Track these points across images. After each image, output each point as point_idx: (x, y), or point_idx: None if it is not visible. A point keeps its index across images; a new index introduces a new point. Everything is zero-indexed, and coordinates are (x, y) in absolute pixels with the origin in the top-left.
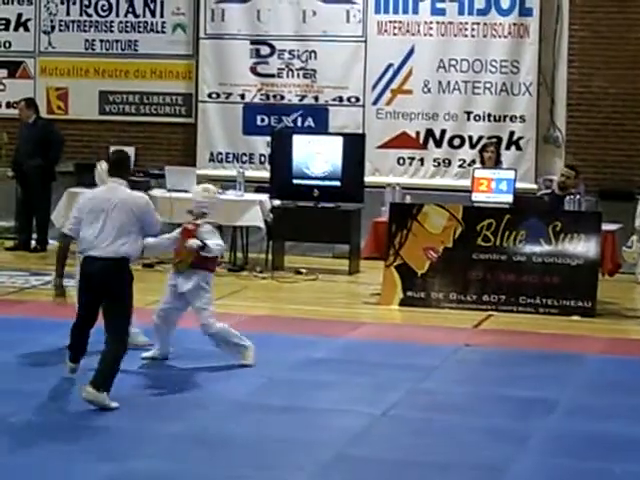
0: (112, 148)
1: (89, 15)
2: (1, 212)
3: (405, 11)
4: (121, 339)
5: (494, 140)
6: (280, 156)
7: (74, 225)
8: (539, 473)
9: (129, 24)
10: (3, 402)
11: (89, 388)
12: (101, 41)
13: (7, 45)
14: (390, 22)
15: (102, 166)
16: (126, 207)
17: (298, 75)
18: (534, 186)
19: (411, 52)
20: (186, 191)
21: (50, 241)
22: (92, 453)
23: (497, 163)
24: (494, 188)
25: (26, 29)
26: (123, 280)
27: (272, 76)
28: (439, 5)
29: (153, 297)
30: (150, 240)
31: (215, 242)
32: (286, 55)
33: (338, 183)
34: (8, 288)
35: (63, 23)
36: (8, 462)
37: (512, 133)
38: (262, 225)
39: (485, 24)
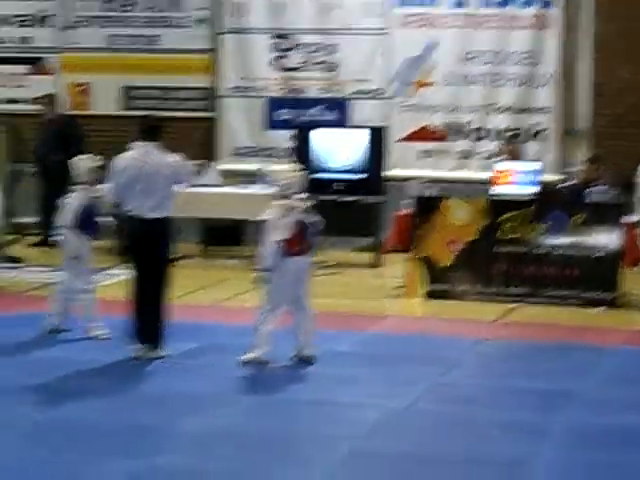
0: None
1: (111, 10)
2: (24, 208)
3: (427, 4)
4: (165, 284)
5: (517, 132)
6: (302, 150)
7: (115, 192)
8: (560, 466)
9: (150, 19)
10: (30, 398)
11: (150, 350)
12: (122, 36)
13: (29, 41)
14: (412, 15)
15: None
16: (163, 169)
17: (320, 69)
18: (557, 178)
19: (433, 45)
20: (207, 185)
21: None
22: (118, 449)
23: (519, 155)
24: (517, 180)
25: (48, 25)
26: (168, 237)
27: (294, 70)
28: None
29: (176, 292)
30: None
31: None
32: (308, 49)
33: (360, 176)
34: (32, 284)
35: (85, 19)
36: (36, 458)
37: (535, 125)
38: None
39: (507, 16)
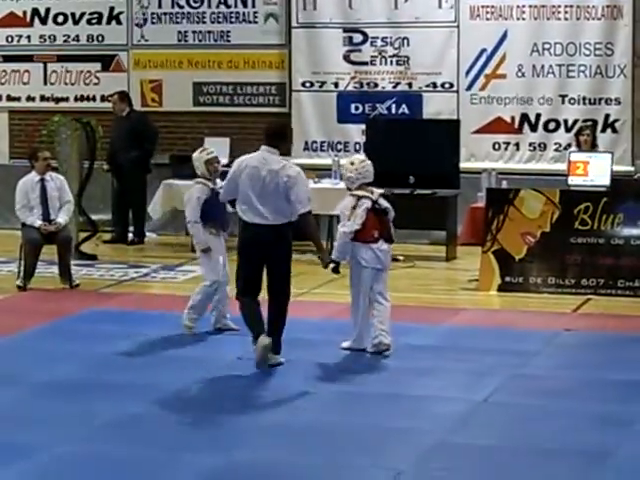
0: (206, 139)
1: (181, 7)
2: (98, 205)
3: None
4: (285, 293)
5: (590, 123)
6: (375, 144)
7: (226, 192)
8: None
9: (221, 15)
10: (108, 395)
11: (276, 357)
12: (193, 32)
13: (100, 39)
14: (482, 7)
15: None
16: (276, 178)
17: (391, 62)
18: (631, 169)
19: (504, 36)
20: None
21: (147, 233)
22: (198, 445)
23: (593, 146)
24: (590, 171)
25: (118, 22)
26: (283, 244)
27: (365, 64)
28: None
29: None
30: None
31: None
32: (379, 42)
33: (435, 169)
34: (107, 281)
35: (155, 15)
36: (115, 454)
37: (607, 116)
38: None
39: (578, 6)
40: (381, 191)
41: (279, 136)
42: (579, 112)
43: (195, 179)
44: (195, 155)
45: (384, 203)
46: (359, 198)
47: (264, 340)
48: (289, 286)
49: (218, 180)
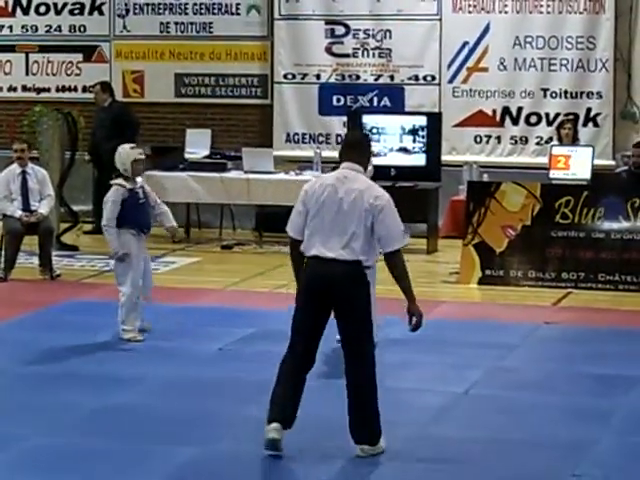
0: (188, 130)
1: None
2: (79, 196)
3: None
4: (365, 360)
5: (571, 117)
6: None
7: (295, 222)
8: (622, 451)
9: (203, 6)
10: (88, 387)
11: (364, 447)
12: (176, 23)
13: (82, 29)
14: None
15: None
16: (360, 200)
17: (373, 55)
18: (612, 163)
19: (486, 29)
20: (263, 172)
21: None
22: (178, 437)
23: (574, 140)
24: (572, 165)
25: (100, 13)
26: (359, 288)
27: (347, 56)
28: None
29: (232, 279)
30: None
31: None
32: (361, 35)
33: (416, 162)
34: (88, 271)
35: (137, 6)
36: (94, 445)
37: (589, 110)
38: None
39: (560, 0)
40: None
41: (361, 149)
42: (561, 106)
43: (113, 181)
44: (125, 150)
45: None
46: None
47: (272, 430)
48: (371, 348)
49: (139, 179)
